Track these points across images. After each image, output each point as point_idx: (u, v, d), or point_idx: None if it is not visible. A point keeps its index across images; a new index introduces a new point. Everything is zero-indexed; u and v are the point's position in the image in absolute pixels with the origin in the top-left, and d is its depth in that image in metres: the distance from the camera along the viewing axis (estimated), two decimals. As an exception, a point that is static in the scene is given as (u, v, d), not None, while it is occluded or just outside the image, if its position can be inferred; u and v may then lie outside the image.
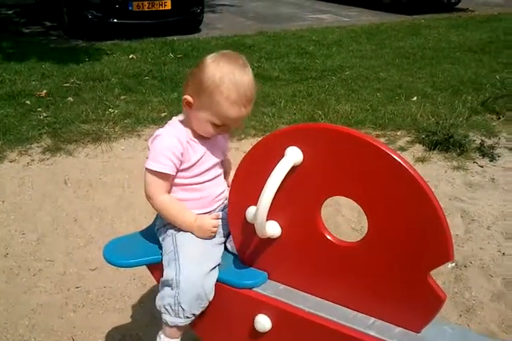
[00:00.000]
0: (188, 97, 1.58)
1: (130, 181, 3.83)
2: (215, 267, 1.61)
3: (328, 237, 1.40)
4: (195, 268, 1.56)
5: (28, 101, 5.23)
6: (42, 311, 2.58)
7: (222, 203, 1.76)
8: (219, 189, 1.73)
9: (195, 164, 1.63)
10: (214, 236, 1.65)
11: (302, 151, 1.37)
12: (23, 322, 2.52)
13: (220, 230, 1.73)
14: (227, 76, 1.52)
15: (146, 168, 1.59)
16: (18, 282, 2.79)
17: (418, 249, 1.26)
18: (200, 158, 1.64)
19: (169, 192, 1.65)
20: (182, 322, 1.58)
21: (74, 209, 3.50)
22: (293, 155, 1.36)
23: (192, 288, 1.54)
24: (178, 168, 1.61)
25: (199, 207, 1.69)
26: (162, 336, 1.66)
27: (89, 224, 3.34)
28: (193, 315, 1.58)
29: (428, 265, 1.26)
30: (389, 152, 1.25)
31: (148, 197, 1.63)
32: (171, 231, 1.69)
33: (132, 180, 3.83)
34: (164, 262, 1.64)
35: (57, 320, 2.52)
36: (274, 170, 1.34)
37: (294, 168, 1.37)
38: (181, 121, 1.66)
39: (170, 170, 1.58)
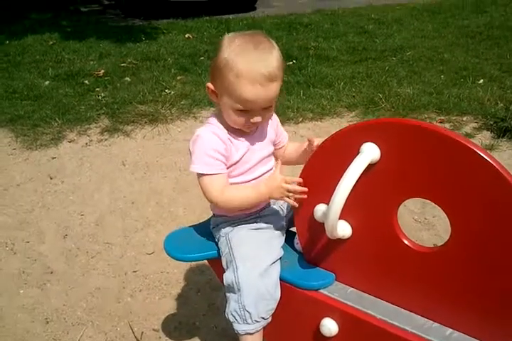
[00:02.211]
0: (209, 84, 1.49)
1: (186, 164, 3.73)
2: (275, 262, 1.54)
3: (405, 242, 1.30)
4: (251, 267, 1.49)
5: (86, 81, 5.28)
6: (99, 295, 2.59)
7: None
8: None
9: (237, 162, 1.55)
10: (289, 195, 1.45)
11: (379, 148, 1.27)
12: (81, 304, 2.53)
13: (279, 223, 1.67)
14: (238, 50, 1.40)
15: (198, 173, 1.51)
16: (77, 264, 2.81)
17: (506, 259, 1.15)
18: (243, 156, 1.55)
19: None
20: (252, 328, 1.49)
21: (131, 191, 3.51)
22: (370, 152, 1.26)
23: (253, 288, 1.47)
24: (227, 164, 1.53)
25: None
26: None
27: (146, 207, 3.34)
28: (262, 318, 1.49)
29: (519, 277, 1.15)
30: (478, 151, 1.13)
31: (213, 202, 1.54)
32: (224, 232, 1.64)
33: (188, 163, 3.79)
34: (223, 264, 1.59)
35: (114, 304, 2.53)
36: (350, 167, 1.25)
37: (369, 166, 1.27)
38: (217, 117, 1.56)
39: (221, 170, 1.51)
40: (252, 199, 1.53)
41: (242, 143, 1.55)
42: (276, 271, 1.52)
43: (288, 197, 1.45)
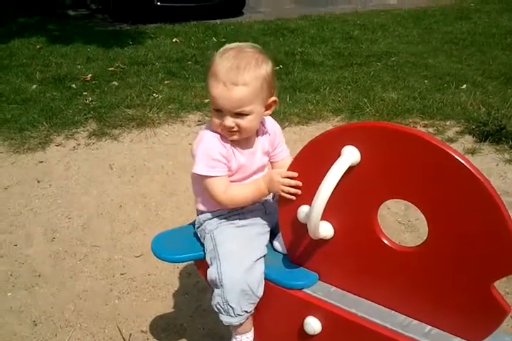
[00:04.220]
0: None
1: (174, 168, 3.84)
2: (259, 259, 1.58)
3: (385, 241, 1.35)
4: (235, 264, 1.54)
5: (73, 85, 5.29)
6: (87, 297, 2.61)
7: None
8: None
9: (232, 172, 1.63)
10: (289, 192, 1.49)
11: (360, 151, 1.31)
12: (69, 307, 2.55)
13: (263, 221, 1.72)
14: (220, 56, 1.52)
15: (203, 175, 1.57)
16: (65, 267, 2.83)
17: (482, 258, 1.20)
18: (238, 167, 1.62)
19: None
20: (236, 321, 1.56)
21: (119, 194, 3.53)
22: (350, 155, 1.31)
23: (235, 285, 1.52)
24: (228, 165, 1.60)
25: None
26: (233, 334, 1.66)
27: (133, 210, 3.36)
28: (245, 312, 1.55)
29: (492, 275, 1.20)
30: (455, 155, 1.18)
31: (217, 202, 1.60)
32: (209, 229, 1.68)
33: (176, 167, 3.84)
34: (207, 261, 1.63)
35: (102, 307, 2.55)
36: (331, 169, 1.29)
37: (350, 168, 1.32)
38: None
39: (223, 172, 1.59)
40: (254, 194, 1.60)
41: (240, 155, 1.62)
42: (259, 268, 1.57)
43: (283, 191, 1.49)
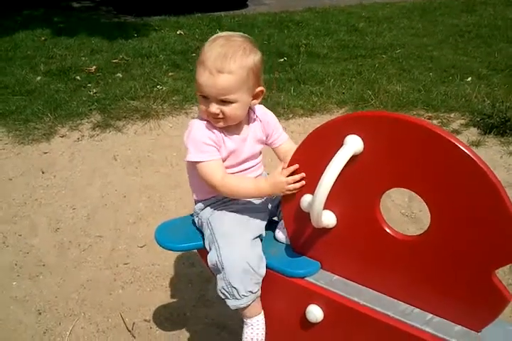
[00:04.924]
0: None
1: (178, 159, 3.84)
2: (256, 238, 1.60)
3: (387, 230, 1.35)
4: (232, 244, 1.55)
5: (78, 77, 5.29)
6: (91, 286, 2.63)
7: None
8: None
9: (223, 158, 1.63)
10: (294, 190, 1.49)
11: (363, 140, 1.31)
12: (73, 296, 2.57)
13: (257, 206, 1.73)
14: (209, 45, 1.54)
15: (195, 161, 1.58)
16: (69, 257, 2.85)
17: (483, 247, 1.20)
18: (229, 153, 1.63)
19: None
20: (242, 303, 1.56)
21: (123, 185, 3.54)
22: (353, 144, 1.31)
23: (235, 264, 1.53)
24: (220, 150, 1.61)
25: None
26: (244, 320, 1.65)
27: (137, 201, 3.38)
28: (250, 292, 1.55)
29: (493, 263, 1.20)
30: (458, 144, 1.18)
31: (213, 187, 1.60)
32: (205, 217, 1.70)
33: (180, 158, 3.84)
34: (206, 247, 1.65)
35: (105, 296, 2.57)
36: (334, 158, 1.29)
37: (353, 158, 1.32)
38: None
39: (215, 156, 1.59)
40: (251, 191, 1.60)
41: (227, 139, 1.62)
42: (257, 246, 1.59)
43: (289, 189, 1.50)
